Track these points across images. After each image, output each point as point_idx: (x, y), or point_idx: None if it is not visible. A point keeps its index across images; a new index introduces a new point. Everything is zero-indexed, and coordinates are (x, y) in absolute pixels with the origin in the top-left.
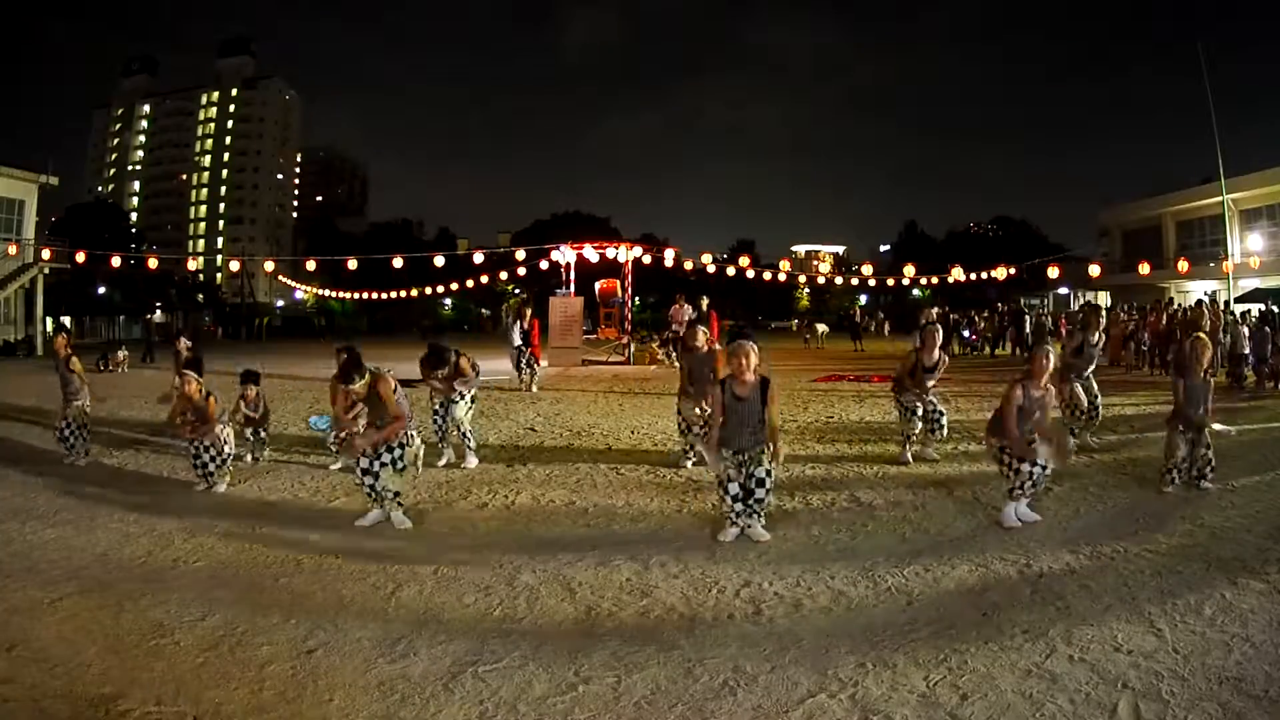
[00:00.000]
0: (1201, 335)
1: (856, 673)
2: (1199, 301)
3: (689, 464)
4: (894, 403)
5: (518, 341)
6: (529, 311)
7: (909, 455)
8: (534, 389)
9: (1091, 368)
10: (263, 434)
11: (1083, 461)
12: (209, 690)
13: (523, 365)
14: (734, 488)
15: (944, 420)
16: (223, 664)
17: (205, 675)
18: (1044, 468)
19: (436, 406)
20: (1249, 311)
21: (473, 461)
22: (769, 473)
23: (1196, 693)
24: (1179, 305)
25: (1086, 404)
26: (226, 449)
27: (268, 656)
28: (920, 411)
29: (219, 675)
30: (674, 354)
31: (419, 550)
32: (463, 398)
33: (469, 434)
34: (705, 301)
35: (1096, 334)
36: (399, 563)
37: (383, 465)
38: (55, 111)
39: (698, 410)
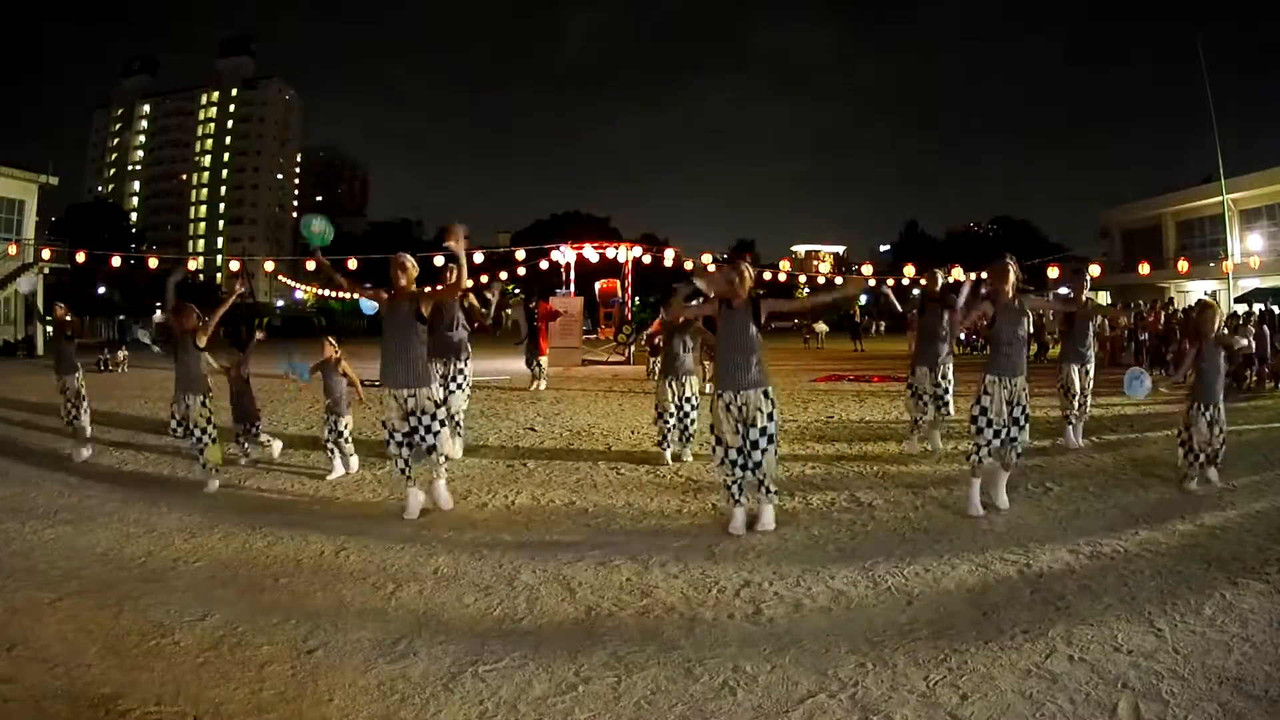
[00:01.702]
0: (1210, 301)
1: (856, 673)
2: (1199, 301)
3: (668, 454)
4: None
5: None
6: (533, 303)
7: (915, 444)
8: (540, 386)
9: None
10: (254, 429)
11: (1083, 461)
12: (209, 690)
13: (532, 363)
14: (736, 444)
15: (949, 398)
16: (223, 664)
17: (205, 675)
18: (1019, 422)
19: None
20: (1250, 312)
21: (458, 452)
22: (771, 420)
23: (1196, 693)
24: (1175, 306)
25: (1078, 389)
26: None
27: (268, 656)
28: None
29: (219, 675)
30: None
31: (419, 550)
32: (464, 387)
33: (460, 422)
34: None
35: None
36: (399, 563)
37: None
38: (55, 111)
39: (670, 385)
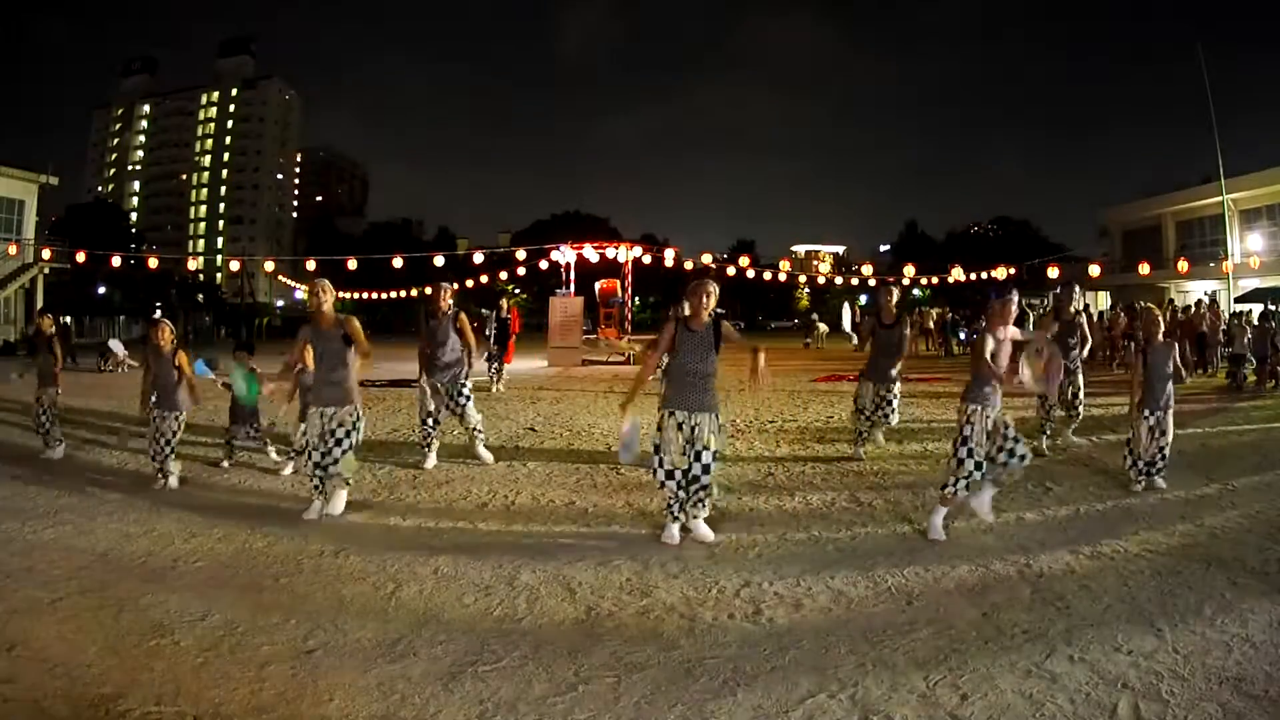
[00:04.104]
0: (1150, 305)
1: (856, 673)
2: (1198, 301)
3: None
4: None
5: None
6: (505, 304)
7: (860, 451)
8: (498, 389)
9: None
10: (254, 430)
11: (1083, 462)
12: (209, 690)
13: (491, 365)
14: (682, 465)
15: (895, 406)
16: (223, 664)
17: (205, 675)
18: (1014, 452)
19: (432, 416)
20: (1249, 311)
21: (489, 458)
22: (714, 453)
23: (1196, 693)
24: (1177, 305)
25: (1070, 397)
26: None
27: (268, 656)
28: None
29: (219, 675)
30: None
31: (419, 550)
32: (470, 399)
33: (479, 430)
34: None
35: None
36: (399, 563)
37: (343, 452)
38: (55, 111)
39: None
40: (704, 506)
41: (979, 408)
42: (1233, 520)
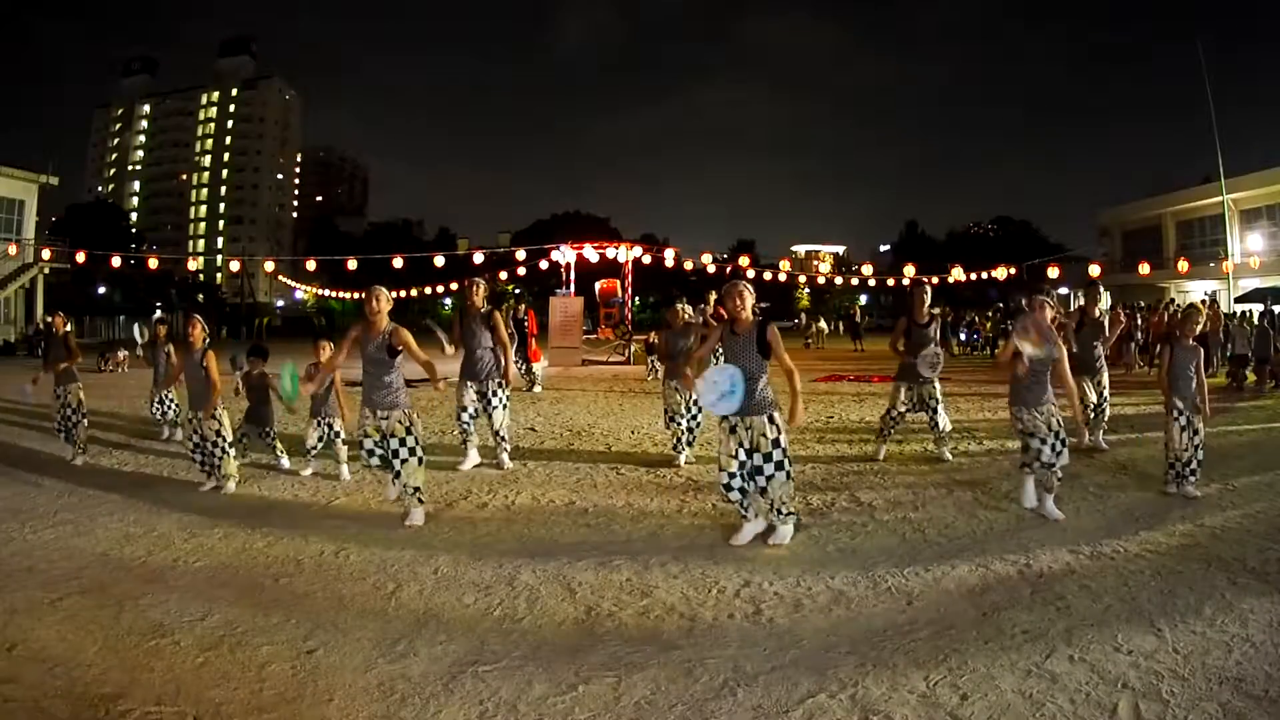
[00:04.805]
0: (1196, 304)
1: (856, 673)
2: (1199, 301)
3: (682, 458)
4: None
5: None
6: (521, 306)
7: (881, 451)
8: (537, 389)
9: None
10: (268, 434)
11: (1083, 462)
12: (209, 690)
13: (525, 370)
14: (730, 467)
15: (939, 409)
16: (223, 664)
17: (205, 675)
18: (1055, 447)
19: (468, 410)
20: (1249, 311)
21: (509, 463)
22: (778, 446)
23: (1196, 693)
24: (1177, 305)
25: (1093, 400)
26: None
27: (268, 656)
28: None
29: (219, 675)
30: (656, 362)
31: (419, 550)
32: (504, 404)
33: (505, 437)
34: (713, 297)
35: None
36: (399, 563)
37: (402, 462)
38: (55, 111)
39: (676, 388)
40: (783, 515)
41: (1021, 408)
42: (1233, 520)
